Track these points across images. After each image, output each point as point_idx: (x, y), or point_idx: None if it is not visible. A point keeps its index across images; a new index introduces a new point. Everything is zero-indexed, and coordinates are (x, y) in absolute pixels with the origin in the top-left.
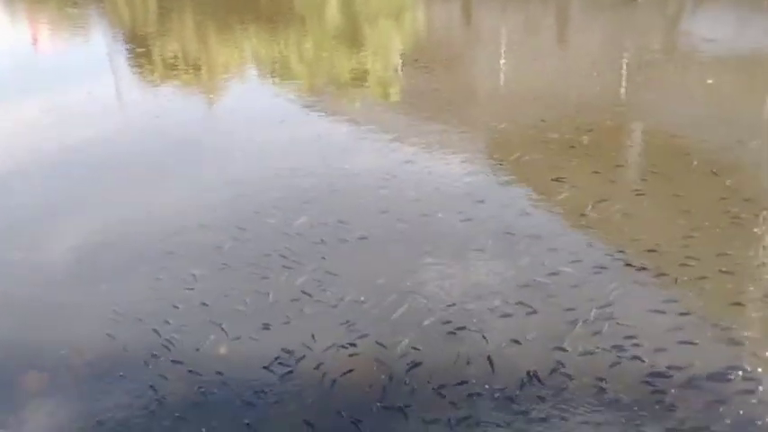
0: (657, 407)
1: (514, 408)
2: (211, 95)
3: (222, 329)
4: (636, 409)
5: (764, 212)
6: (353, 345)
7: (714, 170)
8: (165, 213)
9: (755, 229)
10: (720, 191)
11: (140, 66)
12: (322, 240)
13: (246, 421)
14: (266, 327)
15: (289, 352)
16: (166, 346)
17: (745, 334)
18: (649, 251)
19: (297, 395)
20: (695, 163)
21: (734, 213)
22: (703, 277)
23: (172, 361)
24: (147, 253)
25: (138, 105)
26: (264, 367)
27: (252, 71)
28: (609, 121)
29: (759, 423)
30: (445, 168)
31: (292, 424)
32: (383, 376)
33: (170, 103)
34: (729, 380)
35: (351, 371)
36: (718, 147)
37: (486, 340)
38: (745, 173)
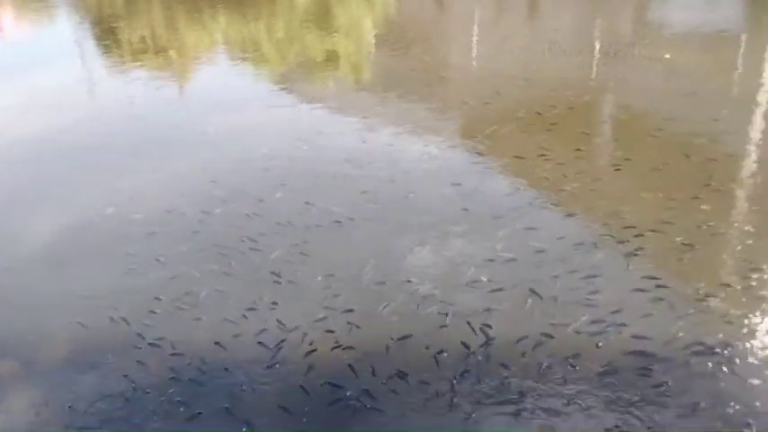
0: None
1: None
2: (182, 79)
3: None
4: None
5: (737, 181)
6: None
7: (685, 143)
8: (136, 199)
9: (731, 197)
10: (692, 163)
11: (109, 50)
12: (289, 222)
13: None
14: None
15: (267, 330)
16: (147, 325)
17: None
18: (627, 224)
19: (282, 373)
20: (667, 136)
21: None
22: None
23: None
24: (117, 238)
25: (107, 90)
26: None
27: (222, 54)
28: (582, 98)
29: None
30: (421, 148)
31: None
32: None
33: (140, 87)
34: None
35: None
36: (689, 121)
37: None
38: (715, 146)
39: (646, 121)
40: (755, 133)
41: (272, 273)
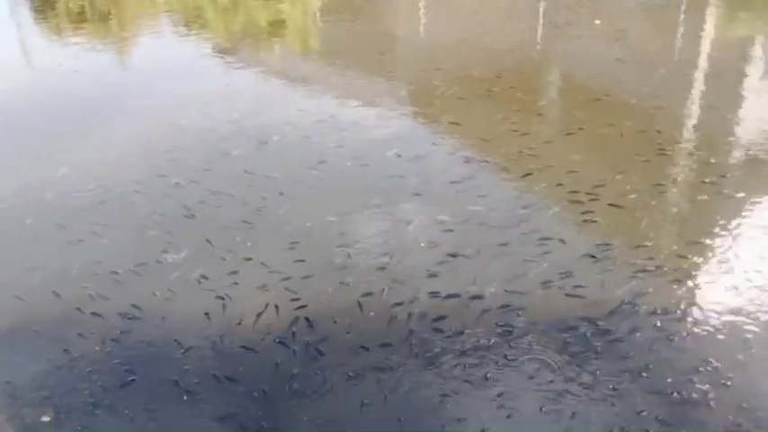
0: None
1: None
2: (123, 48)
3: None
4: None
5: (682, 143)
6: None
7: (630, 107)
8: (75, 173)
9: (677, 160)
10: (637, 126)
11: (46, 19)
12: (231, 195)
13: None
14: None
15: (220, 298)
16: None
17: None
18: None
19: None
20: (612, 101)
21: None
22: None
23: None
24: (54, 212)
25: (45, 60)
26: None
27: (164, 22)
28: (528, 65)
29: None
30: (368, 115)
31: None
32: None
33: (79, 57)
34: None
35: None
36: (633, 86)
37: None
38: (659, 109)
39: (591, 87)
40: (696, 97)
41: (207, 241)
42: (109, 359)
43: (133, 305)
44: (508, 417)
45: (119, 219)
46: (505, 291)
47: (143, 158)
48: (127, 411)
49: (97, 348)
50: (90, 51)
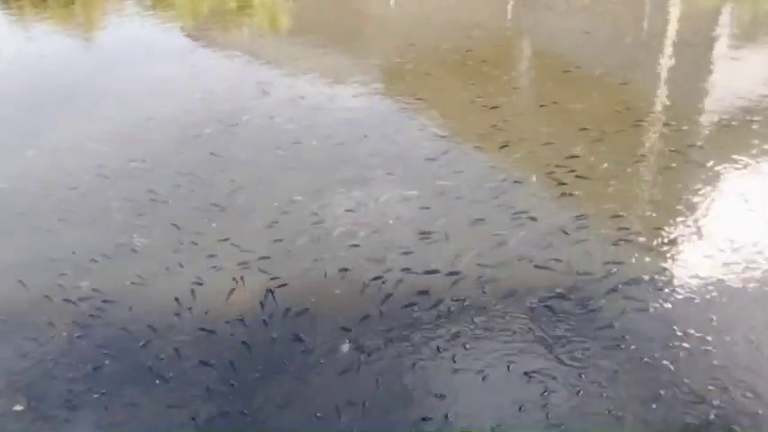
0: None
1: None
2: (89, 32)
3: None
4: None
5: (652, 115)
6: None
7: (599, 79)
8: (41, 155)
9: (652, 129)
10: (608, 98)
11: (7, 2)
12: (200, 177)
13: None
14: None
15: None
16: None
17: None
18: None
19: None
20: (582, 73)
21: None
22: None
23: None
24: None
25: (8, 44)
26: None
27: (130, 4)
28: (499, 41)
29: None
30: (340, 95)
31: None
32: None
33: (44, 41)
34: None
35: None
36: (603, 59)
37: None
38: (632, 80)
39: (561, 60)
40: (666, 67)
41: (173, 225)
42: (80, 346)
43: (102, 290)
44: (483, 380)
45: (86, 204)
46: (480, 264)
47: (110, 142)
48: (98, 396)
49: (67, 335)
50: (55, 35)
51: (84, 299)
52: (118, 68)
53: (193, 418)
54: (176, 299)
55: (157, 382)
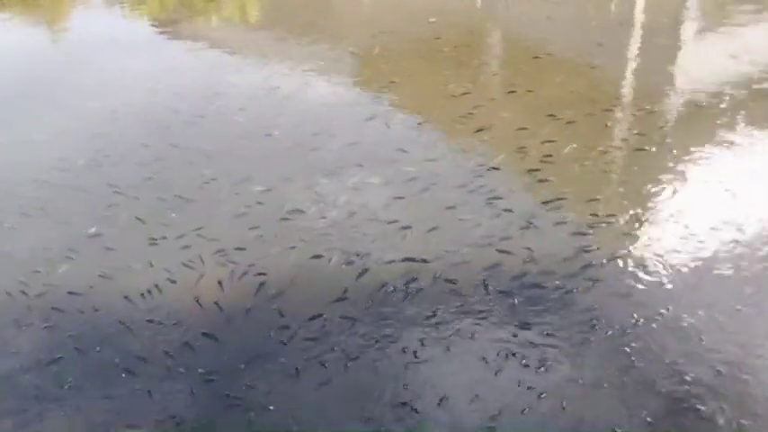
0: None
1: None
2: (57, 23)
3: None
4: None
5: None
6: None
7: (570, 64)
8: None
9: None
10: (580, 83)
11: None
12: (171, 168)
13: None
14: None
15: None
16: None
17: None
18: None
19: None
20: (552, 59)
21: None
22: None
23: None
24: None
25: None
26: None
27: None
28: (470, 27)
29: None
30: (312, 84)
31: None
32: None
33: (10, 34)
34: None
35: None
36: (571, 44)
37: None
38: (601, 65)
39: (531, 45)
40: (632, 54)
41: (138, 218)
42: (46, 341)
43: (68, 285)
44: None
45: (49, 198)
46: (456, 250)
47: (74, 136)
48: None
49: (34, 331)
50: (21, 29)
51: (46, 293)
52: (84, 61)
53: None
54: (148, 290)
55: (123, 375)
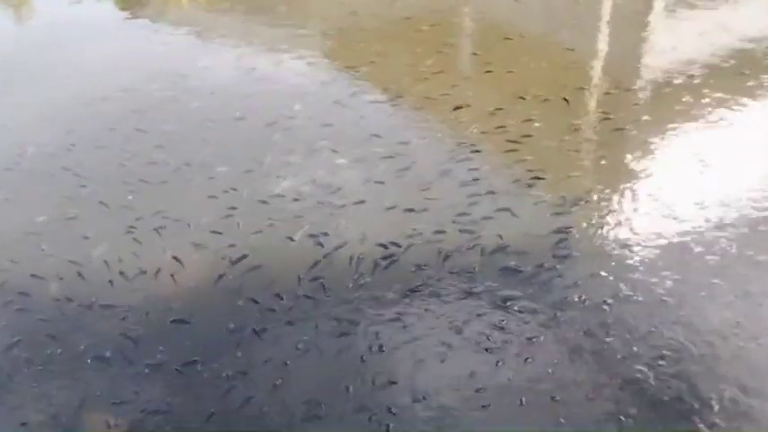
0: None
1: None
2: (21, 8)
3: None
4: None
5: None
6: None
7: (543, 45)
8: None
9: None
10: (554, 63)
11: None
12: (142, 155)
13: None
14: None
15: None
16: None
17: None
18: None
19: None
20: (525, 41)
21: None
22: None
23: None
24: None
25: None
26: None
27: None
28: (440, 9)
29: None
30: (284, 67)
31: None
32: None
33: None
34: None
35: None
36: (545, 24)
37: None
38: (574, 45)
39: (502, 27)
40: (604, 34)
41: (101, 203)
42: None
43: (35, 270)
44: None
45: (24, 184)
46: (439, 231)
47: (41, 120)
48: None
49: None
50: None
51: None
52: (48, 44)
53: None
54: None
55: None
